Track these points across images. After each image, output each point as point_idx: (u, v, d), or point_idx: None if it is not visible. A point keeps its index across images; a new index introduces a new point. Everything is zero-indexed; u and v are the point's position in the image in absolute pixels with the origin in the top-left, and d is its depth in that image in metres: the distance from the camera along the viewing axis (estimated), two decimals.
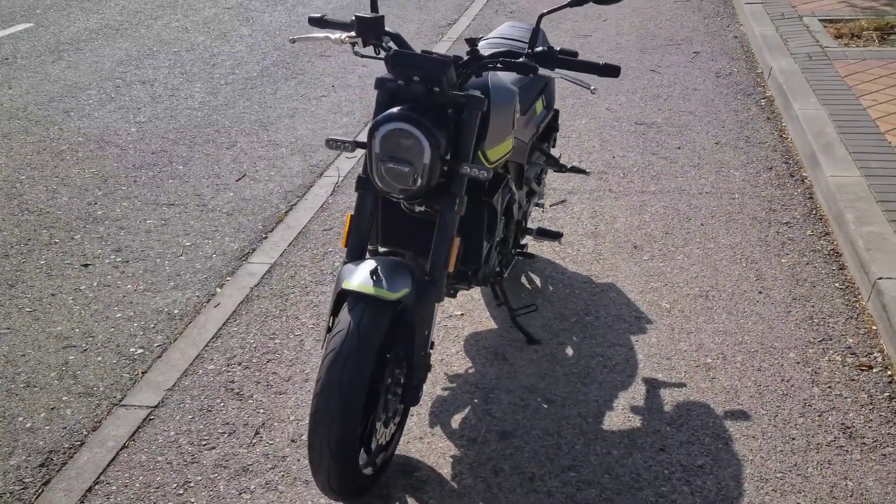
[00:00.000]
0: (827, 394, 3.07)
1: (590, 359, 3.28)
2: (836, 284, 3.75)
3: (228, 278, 3.96)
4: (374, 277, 2.39)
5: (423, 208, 2.65)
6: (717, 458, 2.78)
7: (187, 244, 4.27)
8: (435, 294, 2.53)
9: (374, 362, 2.33)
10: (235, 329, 3.55)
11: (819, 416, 2.96)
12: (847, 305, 3.59)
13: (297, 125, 5.80)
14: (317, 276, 3.91)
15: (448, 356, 3.31)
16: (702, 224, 4.30)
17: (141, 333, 3.56)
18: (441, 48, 7.31)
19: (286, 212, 4.58)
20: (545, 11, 2.58)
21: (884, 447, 2.80)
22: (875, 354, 3.27)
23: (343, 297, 2.45)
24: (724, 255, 4.00)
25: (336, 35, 2.74)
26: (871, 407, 2.99)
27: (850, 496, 2.63)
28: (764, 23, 7.60)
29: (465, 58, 2.54)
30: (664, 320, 3.51)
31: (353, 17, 2.63)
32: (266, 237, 4.31)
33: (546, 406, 3.03)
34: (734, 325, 3.47)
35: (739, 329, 3.45)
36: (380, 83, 2.58)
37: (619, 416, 2.98)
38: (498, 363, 3.26)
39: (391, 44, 2.63)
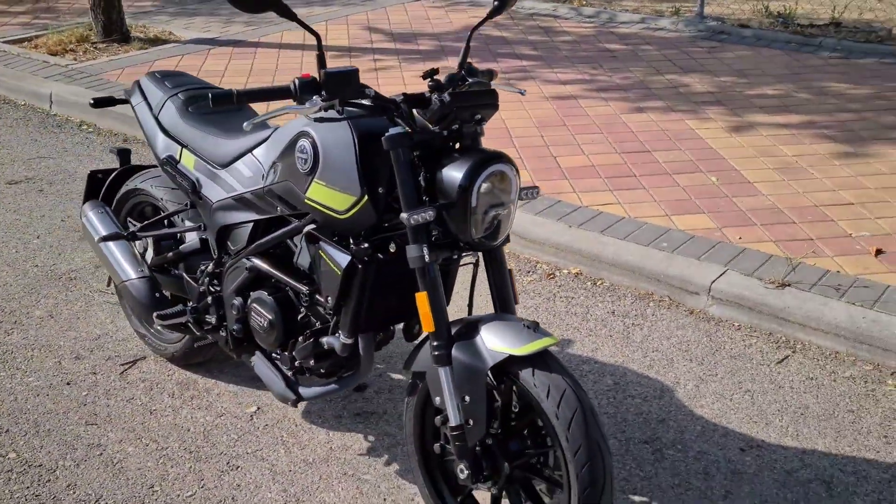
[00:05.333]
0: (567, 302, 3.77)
1: None
2: None
3: None
4: (534, 329, 2.20)
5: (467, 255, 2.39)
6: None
7: None
8: None
9: None
10: None
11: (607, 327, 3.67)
12: None
13: None
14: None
15: None
16: None
17: None
18: None
19: None
20: (476, 25, 2.48)
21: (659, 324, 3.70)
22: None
23: (498, 370, 2.19)
24: None
25: (305, 106, 2.17)
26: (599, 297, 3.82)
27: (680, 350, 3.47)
28: None
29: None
30: None
31: (322, 75, 2.15)
32: None
33: None
34: None
35: None
36: (396, 140, 2.18)
37: None
38: None
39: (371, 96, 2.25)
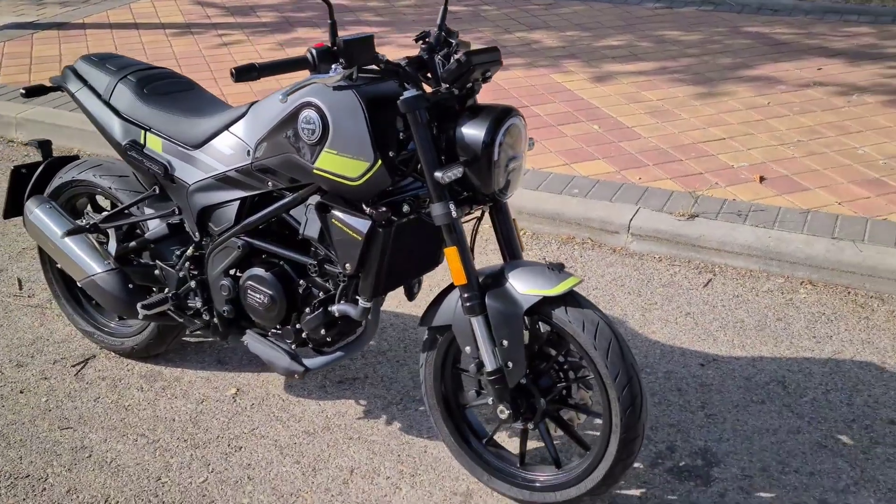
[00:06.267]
0: None
1: None
2: None
3: None
4: (559, 271, 2.36)
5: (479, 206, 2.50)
6: None
7: None
8: None
9: None
10: None
11: None
12: None
13: None
14: None
15: None
16: None
17: None
18: None
19: None
20: None
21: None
22: None
23: (531, 311, 2.32)
24: None
25: (329, 75, 2.20)
26: None
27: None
28: None
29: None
30: None
31: (341, 43, 2.21)
32: None
33: None
34: None
35: None
36: (413, 102, 2.26)
37: None
38: None
39: (386, 57, 2.33)
